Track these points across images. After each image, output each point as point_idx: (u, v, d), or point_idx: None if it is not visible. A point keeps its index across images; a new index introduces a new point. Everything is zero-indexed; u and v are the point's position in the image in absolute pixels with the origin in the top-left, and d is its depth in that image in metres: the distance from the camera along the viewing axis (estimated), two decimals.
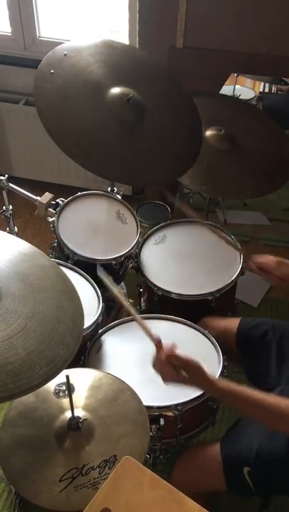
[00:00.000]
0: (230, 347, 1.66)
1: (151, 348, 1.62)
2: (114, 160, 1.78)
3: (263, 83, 3.60)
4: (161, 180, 2.00)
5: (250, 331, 1.67)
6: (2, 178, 2.03)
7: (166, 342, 1.27)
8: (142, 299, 1.97)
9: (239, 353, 1.68)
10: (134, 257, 1.94)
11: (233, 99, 2.64)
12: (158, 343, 1.27)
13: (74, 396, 1.29)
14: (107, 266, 1.88)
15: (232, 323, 1.72)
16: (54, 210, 1.98)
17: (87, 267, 1.82)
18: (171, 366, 1.24)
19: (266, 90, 3.64)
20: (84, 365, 1.55)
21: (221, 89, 2.55)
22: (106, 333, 1.68)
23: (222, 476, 1.40)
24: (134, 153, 1.83)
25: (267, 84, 3.60)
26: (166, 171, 1.89)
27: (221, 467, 1.40)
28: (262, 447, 1.38)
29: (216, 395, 1.31)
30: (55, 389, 1.35)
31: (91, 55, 1.87)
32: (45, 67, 1.78)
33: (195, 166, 1.90)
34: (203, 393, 1.46)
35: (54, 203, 2.00)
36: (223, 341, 1.64)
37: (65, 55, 1.83)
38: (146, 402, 1.35)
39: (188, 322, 1.69)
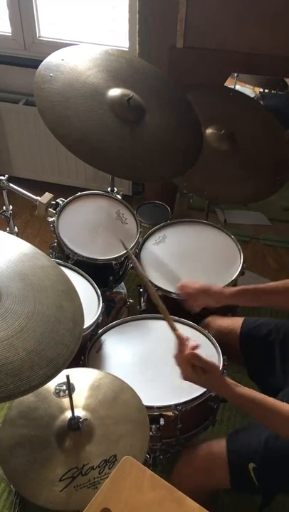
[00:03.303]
0: (232, 347, 1.66)
1: (151, 349, 1.62)
2: (118, 157, 1.79)
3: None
4: (164, 176, 2.00)
5: (253, 331, 1.67)
6: (2, 178, 2.03)
7: (190, 342, 1.32)
8: (142, 299, 1.97)
9: (242, 354, 1.68)
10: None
11: (235, 92, 2.61)
12: (181, 341, 1.31)
13: (74, 396, 1.29)
14: (107, 266, 1.88)
15: (235, 323, 1.71)
16: (54, 210, 1.98)
17: (87, 267, 1.82)
18: (191, 365, 1.28)
19: (266, 90, 3.63)
20: (84, 365, 1.55)
21: None
22: (106, 333, 1.68)
23: (226, 472, 1.39)
24: (137, 151, 1.83)
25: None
26: (169, 168, 1.90)
27: (226, 462, 1.39)
28: (268, 444, 1.37)
29: (233, 400, 1.32)
30: (56, 389, 1.35)
31: (89, 60, 1.89)
32: (44, 71, 1.79)
33: (195, 171, 1.90)
34: (203, 393, 1.46)
35: (54, 203, 2.00)
36: (225, 341, 1.64)
37: (63, 60, 1.83)
38: (146, 402, 1.35)
39: (189, 322, 1.69)
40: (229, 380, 1.29)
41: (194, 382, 1.32)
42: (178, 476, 1.45)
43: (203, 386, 1.38)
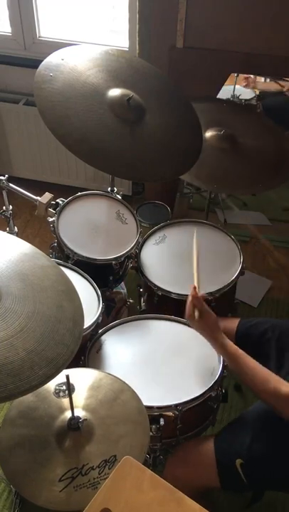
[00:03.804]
0: None
1: (151, 349, 1.63)
2: (118, 157, 1.79)
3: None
4: (164, 176, 2.00)
5: (250, 329, 1.68)
6: (2, 178, 2.03)
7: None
8: (142, 299, 1.97)
9: None
10: (134, 257, 1.94)
11: (232, 103, 2.63)
12: (193, 287, 1.52)
13: (74, 396, 1.29)
14: (107, 266, 1.88)
15: (231, 323, 1.72)
16: (54, 210, 1.98)
17: (87, 267, 1.82)
18: (193, 305, 1.47)
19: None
20: (84, 365, 1.55)
21: (221, 89, 2.56)
22: (106, 333, 1.68)
23: (215, 470, 1.41)
24: (137, 151, 1.83)
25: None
26: (169, 168, 1.90)
27: (214, 460, 1.42)
28: (254, 440, 1.39)
29: (217, 349, 1.48)
30: (56, 389, 1.35)
31: (89, 60, 1.89)
32: (44, 71, 1.79)
33: (198, 165, 1.90)
34: (204, 393, 1.47)
35: (54, 203, 2.00)
36: None
37: (63, 60, 1.83)
38: (146, 402, 1.35)
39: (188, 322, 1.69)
40: (220, 332, 1.44)
41: (192, 322, 1.50)
42: (167, 477, 1.45)
43: (198, 328, 1.49)
